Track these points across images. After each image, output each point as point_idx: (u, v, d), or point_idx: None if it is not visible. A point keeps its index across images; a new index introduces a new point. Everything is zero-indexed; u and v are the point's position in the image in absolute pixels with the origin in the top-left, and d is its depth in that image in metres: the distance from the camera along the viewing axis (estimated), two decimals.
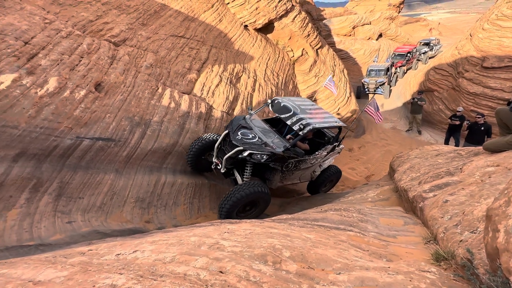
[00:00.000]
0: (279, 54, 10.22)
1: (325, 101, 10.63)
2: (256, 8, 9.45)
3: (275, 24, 10.11)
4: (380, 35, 21.49)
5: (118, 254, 1.22)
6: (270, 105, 4.95)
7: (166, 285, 0.86)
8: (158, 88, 5.71)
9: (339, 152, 5.62)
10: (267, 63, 9.39)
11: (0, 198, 2.84)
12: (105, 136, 4.09)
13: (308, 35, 10.66)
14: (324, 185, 5.76)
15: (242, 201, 3.72)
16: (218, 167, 4.27)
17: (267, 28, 10.17)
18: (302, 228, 2.06)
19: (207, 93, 6.67)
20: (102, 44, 5.63)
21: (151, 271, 0.99)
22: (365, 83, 14.98)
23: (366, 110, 6.17)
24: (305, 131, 4.17)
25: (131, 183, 4.09)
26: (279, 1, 9.76)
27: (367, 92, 15.13)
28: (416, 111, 11.26)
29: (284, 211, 5.48)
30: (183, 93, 6.29)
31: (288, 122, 4.40)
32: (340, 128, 5.01)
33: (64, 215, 3.18)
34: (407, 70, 17.44)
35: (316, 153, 4.73)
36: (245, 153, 3.94)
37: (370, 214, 2.77)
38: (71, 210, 3.30)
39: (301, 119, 4.34)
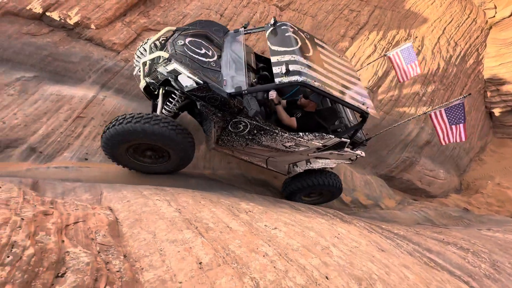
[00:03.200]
0: (469, 14, 7.65)
1: None
2: None
3: None
4: None
5: (266, 225, 1.95)
6: (271, 27, 3.13)
7: (293, 270, 1.45)
8: None
9: (352, 159, 3.48)
10: (444, 28, 7.38)
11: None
12: None
13: None
14: (307, 194, 3.79)
15: (128, 138, 2.44)
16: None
17: None
18: (409, 256, 2.19)
19: (355, 65, 6.37)
20: (271, 10, 6.31)
21: (285, 253, 1.62)
22: None
23: (432, 117, 3.34)
24: (285, 80, 2.45)
25: None
26: None
27: None
28: None
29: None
30: None
31: (273, 59, 2.64)
32: (363, 116, 2.89)
33: (227, 158, 4.60)
34: None
35: (301, 134, 2.86)
36: (169, 66, 2.50)
37: None
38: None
39: (296, 62, 2.58)
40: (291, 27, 3.16)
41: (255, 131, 2.80)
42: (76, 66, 3.95)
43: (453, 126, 3.28)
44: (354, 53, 6.50)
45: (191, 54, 2.67)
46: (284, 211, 2.41)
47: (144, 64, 2.85)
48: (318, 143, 3.03)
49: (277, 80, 2.49)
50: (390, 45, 6.80)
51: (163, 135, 2.44)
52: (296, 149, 3.06)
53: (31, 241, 1.05)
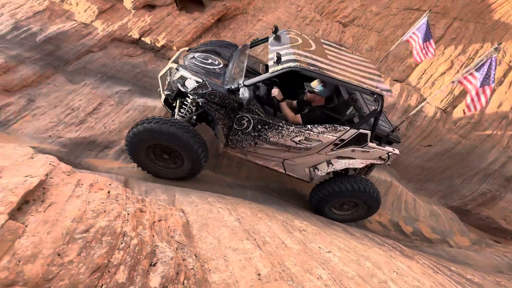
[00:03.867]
0: None
1: None
2: None
3: None
4: None
5: (319, 247, 1.97)
6: (273, 34, 3.17)
7: None
8: None
9: (383, 159, 3.05)
10: None
11: None
12: None
13: None
14: (340, 204, 3.38)
15: (143, 139, 2.72)
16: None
17: None
18: None
19: (425, 83, 5.85)
20: (334, 27, 6.32)
21: (339, 279, 1.62)
22: None
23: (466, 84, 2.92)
24: (278, 68, 2.49)
25: None
26: None
27: None
28: None
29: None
30: (396, 80, 5.95)
31: (270, 56, 2.73)
32: (379, 99, 2.64)
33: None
34: None
35: (309, 127, 2.75)
36: (177, 74, 2.81)
37: None
38: None
39: (291, 53, 2.61)
40: (293, 31, 3.21)
41: (259, 126, 2.79)
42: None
43: (485, 88, 2.80)
44: (425, 70, 5.98)
45: (197, 63, 2.94)
46: (338, 235, 2.39)
47: (161, 78, 3.20)
48: (332, 137, 2.81)
49: (270, 70, 2.55)
50: (471, 60, 6.04)
51: (172, 134, 2.62)
52: (309, 145, 2.86)
53: (135, 233, 1.34)
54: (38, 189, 1.38)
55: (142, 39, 4.71)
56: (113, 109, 4.10)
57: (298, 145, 2.88)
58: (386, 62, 6.09)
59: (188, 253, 1.57)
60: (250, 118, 2.76)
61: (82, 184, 1.63)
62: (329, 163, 3.07)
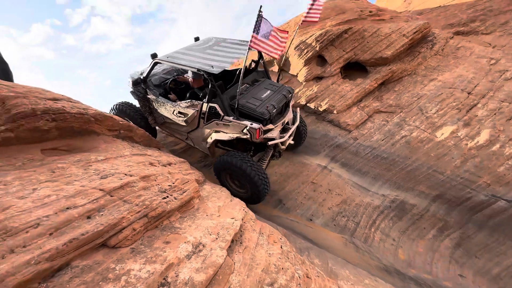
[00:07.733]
0: None
1: None
2: None
3: None
4: None
5: None
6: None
7: None
8: None
9: (245, 133, 3.11)
10: None
11: (414, 228, 3.84)
12: None
13: None
14: (233, 179, 3.58)
15: None
16: None
17: None
18: None
19: None
20: None
21: None
22: None
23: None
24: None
25: None
26: None
27: None
28: None
29: None
30: None
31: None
32: (205, 76, 3.14)
33: (457, 265, 3.51)
34: None
35: (178, 102, 3.53)
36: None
37: None
38: (464, 264, 3.52)
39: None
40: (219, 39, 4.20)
41: (157, 104, 3.72)
42: (317, 141, 5.07)
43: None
44: None
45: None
46: None
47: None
48: (193, 110, 3.37)
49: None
50: None
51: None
52: (184, 117, 3.50)
53: None
54: (239, 231, 1.79)
55: (308, 104, 5.45)
56: (274, 163, 4.81)
57: (178, 118, 3.57)
58: None
59: None
60: (151, 99, 3.76)
61: (262, 233, 1.95)
62: (210, 136, 3.50)
